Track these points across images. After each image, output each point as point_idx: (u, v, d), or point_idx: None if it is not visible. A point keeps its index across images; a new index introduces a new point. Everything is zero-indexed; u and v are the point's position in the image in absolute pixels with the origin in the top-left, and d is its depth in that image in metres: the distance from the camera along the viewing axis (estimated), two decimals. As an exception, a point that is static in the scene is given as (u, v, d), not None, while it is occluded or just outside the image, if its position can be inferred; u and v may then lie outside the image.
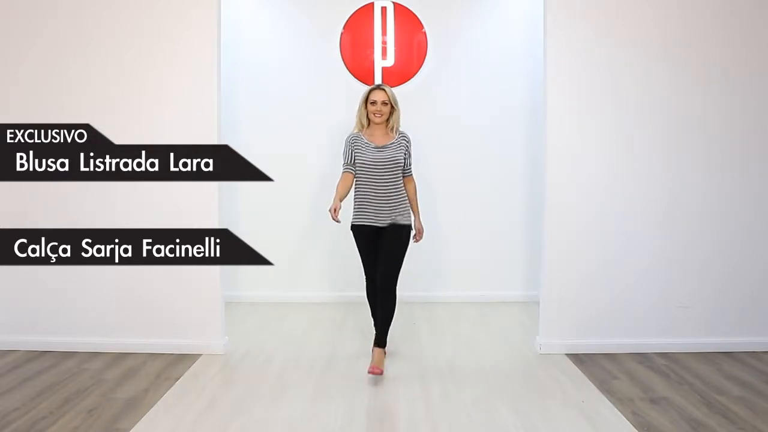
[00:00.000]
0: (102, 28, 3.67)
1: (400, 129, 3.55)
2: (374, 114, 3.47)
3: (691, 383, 3.25)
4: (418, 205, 3.61)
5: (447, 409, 2.93)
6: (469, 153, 5.01)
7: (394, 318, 3.48)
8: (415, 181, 3.61)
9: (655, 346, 3.74)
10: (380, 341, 3.43)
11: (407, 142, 3.55)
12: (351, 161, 3.48)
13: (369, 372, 3.27)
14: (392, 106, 3.50)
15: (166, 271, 3.68)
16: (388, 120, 3.51)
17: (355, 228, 3.52)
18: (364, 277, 3.61)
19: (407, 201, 3.53)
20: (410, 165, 3.57)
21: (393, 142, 3.50)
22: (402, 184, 3.52)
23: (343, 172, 3.52)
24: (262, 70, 5.00)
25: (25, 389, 3.14)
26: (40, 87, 3.70)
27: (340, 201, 3.36)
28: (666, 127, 3.71)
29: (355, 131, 3.54)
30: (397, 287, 3.47)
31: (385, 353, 3.46)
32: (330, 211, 3.30)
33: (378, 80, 4.90)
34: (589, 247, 3.73)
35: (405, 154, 3.51)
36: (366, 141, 3.49)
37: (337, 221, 3.31)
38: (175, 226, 3.64)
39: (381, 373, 3.28)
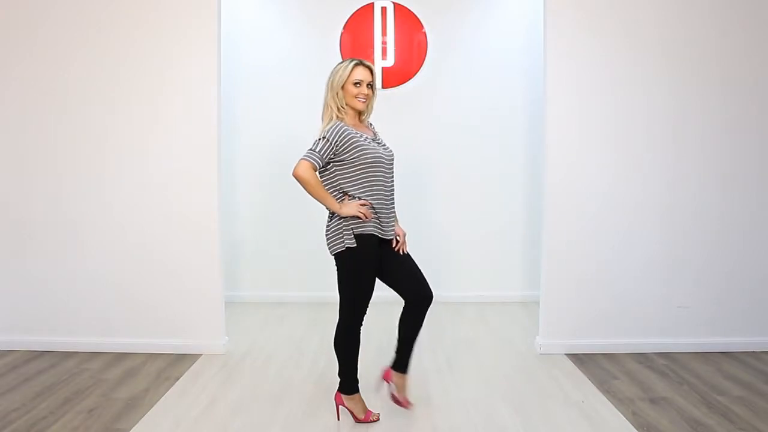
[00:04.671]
0: (102, 28, 3.67)
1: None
2: (358, 98, 2.67)
3: (691, 383, 3.25)
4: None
5: (447, 409, 2.93)
6: (468, 153, 5.01)
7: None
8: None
9: (655, 346, 3.74)
10: (401, 365, 2.82)
11: None
12: (325, 157, 2.60)
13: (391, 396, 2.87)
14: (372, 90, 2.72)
15: (167, 271, 3.70)
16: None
17: (361, 240, 2.63)
18: (353, 318, 2.68)
19: None
20: None
21: (379, 135, 2.81)
22: None
23: (308, 166, 2.60)
24: (262, 70, 5.00)
25: (25, 389, 3.14)
26: (40, 86, 3.70)
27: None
28: (666, 127, 3.70)
29: (336, 121, 2.64)
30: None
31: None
32: (359, 213, 2.60)
33: (378, 80, 4.86)
34: (589, 247, 3.73)
35: None
36: (359, 132, 2.67)
37: (372, 216, 2.63)
38: (175, 226, 3.69)
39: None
